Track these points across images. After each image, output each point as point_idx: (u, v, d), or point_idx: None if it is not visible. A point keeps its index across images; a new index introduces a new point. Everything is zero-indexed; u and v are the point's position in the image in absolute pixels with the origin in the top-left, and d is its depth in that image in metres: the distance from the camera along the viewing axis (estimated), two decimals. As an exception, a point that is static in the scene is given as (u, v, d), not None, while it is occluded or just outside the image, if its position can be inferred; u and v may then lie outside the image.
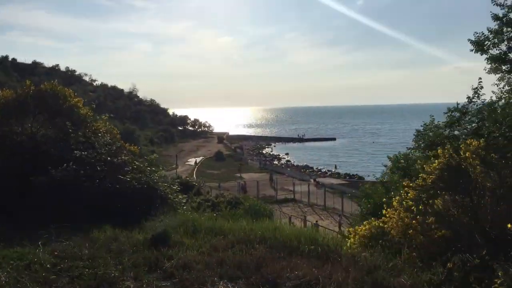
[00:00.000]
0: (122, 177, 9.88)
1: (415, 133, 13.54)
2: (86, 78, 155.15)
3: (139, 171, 10.59)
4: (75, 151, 10.16)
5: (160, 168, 12.36)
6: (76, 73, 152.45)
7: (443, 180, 6.10)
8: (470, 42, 10.93)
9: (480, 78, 10.62)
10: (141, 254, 6.40)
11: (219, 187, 53.42)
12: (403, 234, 5.95)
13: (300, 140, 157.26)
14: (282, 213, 39.28)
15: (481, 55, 10.92)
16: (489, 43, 10.75)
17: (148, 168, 10.80)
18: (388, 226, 6.30)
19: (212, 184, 54.01)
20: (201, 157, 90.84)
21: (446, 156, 6.31)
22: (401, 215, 6.17)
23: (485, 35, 10.82)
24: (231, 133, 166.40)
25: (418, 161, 11.39)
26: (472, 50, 10.97)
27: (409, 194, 6.62)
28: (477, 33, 10.93)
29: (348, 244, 7.14)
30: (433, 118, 12.28)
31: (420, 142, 12.21)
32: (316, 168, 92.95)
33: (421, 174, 6.67)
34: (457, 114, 10.95)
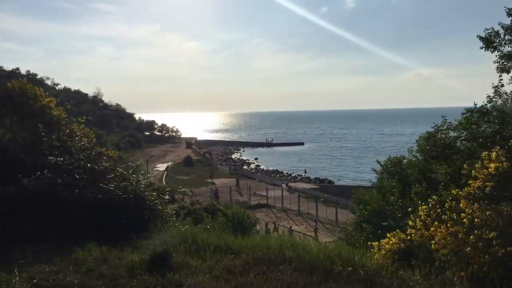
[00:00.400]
0: (104, 185, 8.71)
1: (424, 135, 12.94)
2: (48, 82, 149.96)
3: (122, 178, 9.43)
4: (50, 157, 8.91)
5: (148, 176, 11.17)
6: (38, 77, 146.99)
7: (505, 188, 5.32)
8: (479, 39, 10.36)
9: (500, 76, 10.04)
10: (141, 280, 5.30)
11: (191, 193, 51.93)
12: (454, 252, 5.11)
13: (269, 145, 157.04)
14: (258, 220, 38.34)
15: (492, 52, 10.36)
16: (500, 39, 10.18)
17: (133, 176, 9.65)
18: (436, 242, 5.45)
19: (182, 190, 52.39)
20: (169, 163, 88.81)
21: (503, 159, 5.55)
22: (451, 229, 5.34)
23: (495, 31, 10.27)
24: (199, 138, 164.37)
25: (438, 166, 10.56)
26: (482, 48, 10.39)
27: (459, 204, 5.79)
28: (487, 29, 10.38)
29: (373, 260, 6.29)
30: (445, 119, 11.67)
31: (428, 147, 11.56)
32: (286, 173, 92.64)
33: (472, 181, 5.87)
34: (476, 115, 10.31)
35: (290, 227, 37.66)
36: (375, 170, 16.22)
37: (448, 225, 5.45)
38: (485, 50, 10.35)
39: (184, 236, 6.94)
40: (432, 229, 5.73)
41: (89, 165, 9.17)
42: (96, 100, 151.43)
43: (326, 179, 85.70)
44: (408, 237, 6.57)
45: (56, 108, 11.22)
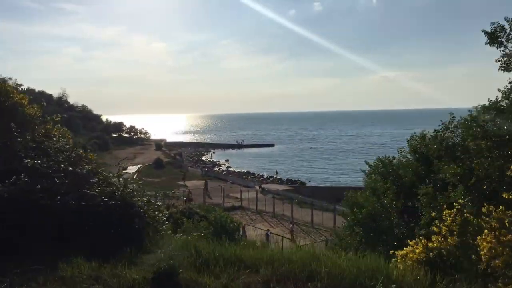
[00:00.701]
0: (88, 191, 7.79)
1: (432, 134, 12.50)
2: (10, 83, 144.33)
3: (107, 183, 8.53)
4: (25, 160, 7.92)
5: (138, 180, 10.19)
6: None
7: None
8: (484, 33, 9.99)
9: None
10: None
11: (165, 196, 50.59)
12: (507, 265, 4.54)
13: (239, 146, 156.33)
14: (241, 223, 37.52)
15: (497, 48, 9.99)
16: (506, 34, 9.80)
17: (121, 179, 8.75)
18: (485, 253, 4.86)
19: (152, 193, 50.98)
20: (139, 165, 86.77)
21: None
22: (503, 238, 4.76)
23: (501, 25, 9.90)
24: (169, 140, 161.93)
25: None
26: (486, 43, 10.00)
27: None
28: (493, 24, 10.00)
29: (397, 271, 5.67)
30: (453, 117, 11.26)
31: (435, 146, 11.09)
32: (258, 174, 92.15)
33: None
34: (493, 113, 9.87)
35: (268, 230, 36.99)
36: (364, 171, 15.75)
37: (498, 233, 4.90)
38: (490, 45, 9.99)
39: (186, 247, 6.13)
40: (478, 238, 5.15)
41: (70, 168, 8.22)
42: (61, 102, 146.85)
43: (298, 180, 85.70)
44: (435, 244, 5.99)
45: (30, 106, 10.17)
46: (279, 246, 29.93)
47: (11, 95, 9.94)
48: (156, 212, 8.35)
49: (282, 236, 32.89)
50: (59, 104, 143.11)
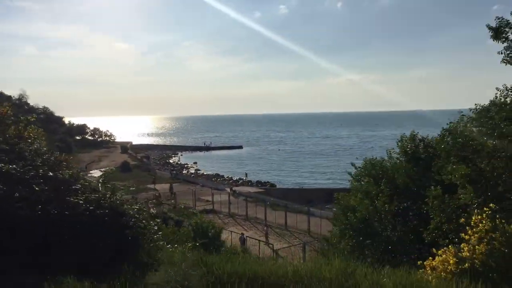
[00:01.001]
0: (71, 199, 6.92)
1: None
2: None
3: (91, 189, 7.67)
4: (5, 166, 6.96)
5: (130, 187, 9.26)
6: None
7: None
8: (489, 29, 9.68)
9: None
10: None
11: (134, 199, 49.03)
12: None
13: (207, 148, 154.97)
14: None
15: (502, 43, 9.69)
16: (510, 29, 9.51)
17: (108, 185, 7.90)
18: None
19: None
20: (105, 168, 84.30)
21: None
22: None
23: (506, 20, 9.61)
24: (135, 142, 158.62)
25: None
26: (490, 38, 9.70)
27: None
28: (498, 18, 9.71)
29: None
30: (463, 115, 10.87)
31: (443, 145, 10.67)
32: (227, 177, 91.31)
33: None
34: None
35: (242, 233, 36.26)
36: (350, 173, 15.30)
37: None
38: (493, 40, 9.70)
39: (194, 263, 5.36)
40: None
41: (50, 173, 7.30)
42: (20, 103, 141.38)
43: (268, 182, 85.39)
44: (467, 254, 5.48)
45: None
46: (256, 250, 29.25)
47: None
48: (151, 222, 7.53)
49: (259, 240, 32.27)
50: (19, 106, 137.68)
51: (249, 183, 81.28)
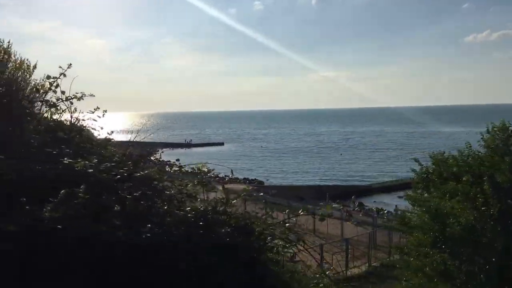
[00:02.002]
0: (179, 211, 4.62)
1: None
2: None
3: (187, 195, 5.40)
4: (65, 159, 4.57)
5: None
6: None
7: None
8: None
9: None
10: None
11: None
12: None
13: (188, 145, 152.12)
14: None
15: None
16: None
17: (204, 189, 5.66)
18: None
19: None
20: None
21: None
22: None
23: None
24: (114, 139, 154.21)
25: None
26: None
27: None
28: None
29: None
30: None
31: None
32: (213, 174, 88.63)
33: None
34: None
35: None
36: (414, 170, 13.31)
37: None
38: None
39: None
40: None
41: (136, 174, 4.96)
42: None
43: (256, 179, 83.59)
44: None
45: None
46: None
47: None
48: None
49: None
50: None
51: (237, 180, 79.13)
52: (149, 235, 3.98)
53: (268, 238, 4.87)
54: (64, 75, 5.92)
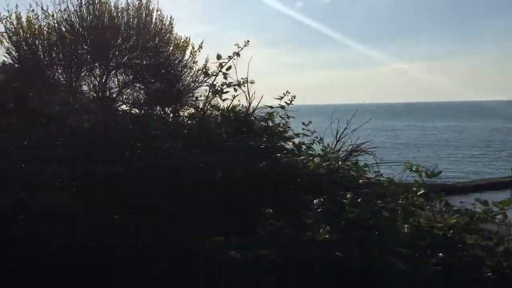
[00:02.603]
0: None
1: None
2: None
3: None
4: (312, 162, 4.16)
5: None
6: None
7: None
8: None
9: None
10: None
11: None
12: None
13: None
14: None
15: None
16: None
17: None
18: None
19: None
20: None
21: None
22: None
23: None
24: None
25: None
26: None
27: None
28: None
29: None
30: None
31: None
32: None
33: None
34: None
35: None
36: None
37: None
38: None
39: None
40: None
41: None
42: None
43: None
44: None
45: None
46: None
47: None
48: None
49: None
50: None
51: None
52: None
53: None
54: (238, 55, 5.25)
